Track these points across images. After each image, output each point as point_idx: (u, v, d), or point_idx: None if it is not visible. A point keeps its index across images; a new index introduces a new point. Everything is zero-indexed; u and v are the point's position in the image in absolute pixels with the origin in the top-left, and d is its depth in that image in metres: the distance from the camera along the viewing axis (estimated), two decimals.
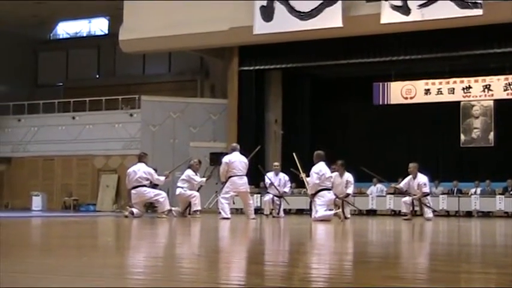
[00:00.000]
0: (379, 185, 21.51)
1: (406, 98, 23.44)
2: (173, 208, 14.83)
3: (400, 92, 23.49)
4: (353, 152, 22.63)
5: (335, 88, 24.97)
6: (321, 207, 12.83)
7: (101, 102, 25.36)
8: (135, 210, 14.01)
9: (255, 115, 23.21)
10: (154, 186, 22.40)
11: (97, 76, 30.03)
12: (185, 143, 22.77)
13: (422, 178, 14.74)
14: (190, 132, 23.32)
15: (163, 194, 14.32)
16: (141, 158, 14.46)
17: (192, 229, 10.16)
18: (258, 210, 17.55)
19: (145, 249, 6.04)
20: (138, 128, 24.05)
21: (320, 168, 12.89)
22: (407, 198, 15.00)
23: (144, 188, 14.11)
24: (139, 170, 14.08)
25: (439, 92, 23.11)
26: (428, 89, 23.25)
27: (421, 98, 23.25)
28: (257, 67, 22.99)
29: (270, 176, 16.19)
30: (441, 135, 23.98)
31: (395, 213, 21.00)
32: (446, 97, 23.02)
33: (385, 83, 23.58)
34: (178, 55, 26.97)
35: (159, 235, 8.60)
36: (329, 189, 13.11)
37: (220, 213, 13.75)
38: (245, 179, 13.72)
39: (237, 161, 13.68)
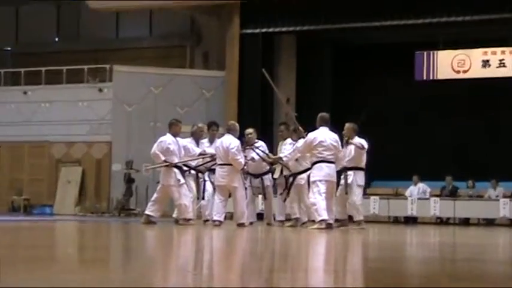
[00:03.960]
0: (420, 185, 21.48)
1: (458, 72, 23.36)
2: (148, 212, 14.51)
3: (450, 63, 23.40)
4: (386, 139, 22.55)
5: (365, 58, 24.87)
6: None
7: (61, 74, 25.33)
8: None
9: (261, 92, 23.14)
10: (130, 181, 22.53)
11: (56, 39, 29.99)
12: None
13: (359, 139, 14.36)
14: (176, 113, 23.21)
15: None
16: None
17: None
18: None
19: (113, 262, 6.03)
20: (109, 107, 24.06)
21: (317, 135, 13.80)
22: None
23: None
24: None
25: (501, 64, 23.02)
26: (487, 60, 23.15)
27: (477, 72, 23.16)
28: (264, 30, 22.95)
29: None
30: (503, 119, 23.89)
31: (442, 222, 21.01)
32: (510, 71, 22.92)
33: (431, 52, 23.48)
34: (162, 14, 26.93)
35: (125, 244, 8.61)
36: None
37: None
38: (226, 168, 13.88)
39: (219, 146, 14.06)
